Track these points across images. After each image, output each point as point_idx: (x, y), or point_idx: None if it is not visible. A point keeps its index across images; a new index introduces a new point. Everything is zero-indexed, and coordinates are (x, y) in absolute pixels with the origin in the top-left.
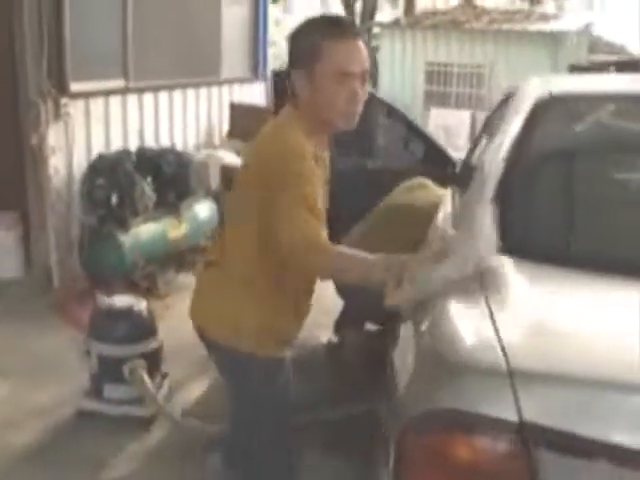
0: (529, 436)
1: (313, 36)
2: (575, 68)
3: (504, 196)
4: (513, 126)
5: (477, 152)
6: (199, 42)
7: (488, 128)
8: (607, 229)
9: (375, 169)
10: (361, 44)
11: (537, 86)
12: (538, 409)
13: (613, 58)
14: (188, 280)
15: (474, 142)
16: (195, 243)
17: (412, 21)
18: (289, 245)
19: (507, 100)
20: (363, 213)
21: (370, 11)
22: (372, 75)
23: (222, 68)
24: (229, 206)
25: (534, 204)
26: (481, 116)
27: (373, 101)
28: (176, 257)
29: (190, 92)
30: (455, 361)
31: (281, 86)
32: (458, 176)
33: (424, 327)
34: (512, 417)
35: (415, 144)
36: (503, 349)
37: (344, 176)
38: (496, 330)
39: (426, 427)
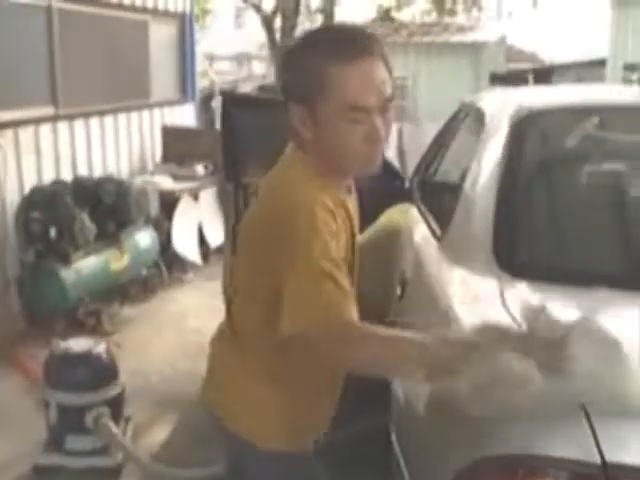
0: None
1: (313, 60)
2: (495, 77)
3: (505, 219)
4: (495, 144)
5: (437, 168)
6: (128, 65)
7: (444, 143)
8: (613, 246)
9: None
10: (380, 63)
11: (502, 101)
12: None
13: (529, 66)
14: (133, 313)
15: (427, 157)
16: (137, 274)
17: None
18: (307, 333)
19: (460, 114)
20: None
21: (290, 27)
22: None
23: (152, 91)
24: (236, 275)
25: (539, 225)
26: (407, 127)
27: None
28: (119, 290)
29: (121, 117)
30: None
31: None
32: (411, 192)
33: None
34: (594, 458)
35: None
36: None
37: None
38: None
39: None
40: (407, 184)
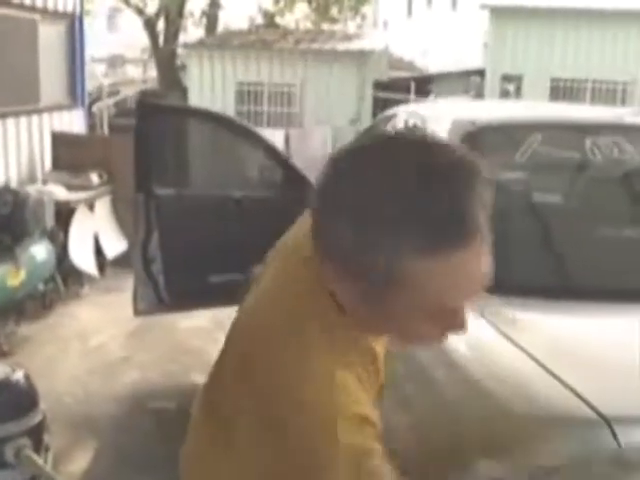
0: None
1: (384, 237)
2: (379, 84)
3: None
4: None
5: None
6: (16, 67)
7: None
8: (571, 257)
9: (238, 199)
10: (484, 244)
11: (442, 115)
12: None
13: (408, 74)
14: (31, 331)
15: None
16: (34, 289)
17: (216, 41)
18: None
19: (379, 127)
20: (232, 245)
21: (174, 32)
22: (182, 97)
23: (41, 94)
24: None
25: (504, 240)
26: (294, 133)
27: (231, 126)
28: (15, 307)
29: (10, 122)
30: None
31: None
32: None
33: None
34: None
35: (273, 169)
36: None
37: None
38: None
39: None
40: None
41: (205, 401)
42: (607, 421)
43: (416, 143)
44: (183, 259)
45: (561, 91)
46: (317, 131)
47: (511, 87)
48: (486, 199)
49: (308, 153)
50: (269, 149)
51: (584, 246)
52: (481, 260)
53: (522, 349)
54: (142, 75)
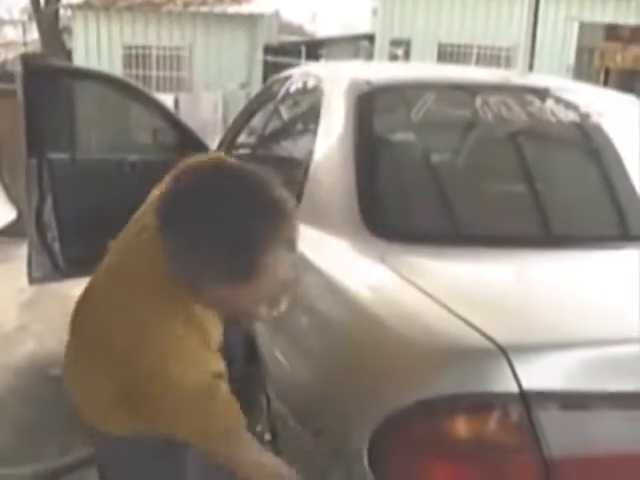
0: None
1: (250, 239)
2: (269, 48)
3: (368, 187)
4: (340, 117)
5: (258, 141)
6: None
7: (254, 117)
8: (462, 208)
9: (132, 162)
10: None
11: (334, 74)
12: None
13: (298, 38)
14: None
15: (233, 131)
16: None
17: (102, 2)
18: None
19: (274, 89)
20: (128, 210)
21: None
22: (66, 61)
23: None
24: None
25: (401, 190)
26: (183, 98)
27: (123, 88)
28: None
29: None
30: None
31: None
32: None
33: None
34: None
35: (167, 132)
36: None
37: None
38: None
39: (427, 414)
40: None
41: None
42: (503, 350)
43: (246, 182)
44: (78, 225)
45: (448, 56)
46: (207, 95)
47: (400, 52)
48: (289, 236)
49: (199, 117)
50: (163, 112)
51: (474, 198)
52: (267, 285)
53: (421, 289)
54: (22, 38)
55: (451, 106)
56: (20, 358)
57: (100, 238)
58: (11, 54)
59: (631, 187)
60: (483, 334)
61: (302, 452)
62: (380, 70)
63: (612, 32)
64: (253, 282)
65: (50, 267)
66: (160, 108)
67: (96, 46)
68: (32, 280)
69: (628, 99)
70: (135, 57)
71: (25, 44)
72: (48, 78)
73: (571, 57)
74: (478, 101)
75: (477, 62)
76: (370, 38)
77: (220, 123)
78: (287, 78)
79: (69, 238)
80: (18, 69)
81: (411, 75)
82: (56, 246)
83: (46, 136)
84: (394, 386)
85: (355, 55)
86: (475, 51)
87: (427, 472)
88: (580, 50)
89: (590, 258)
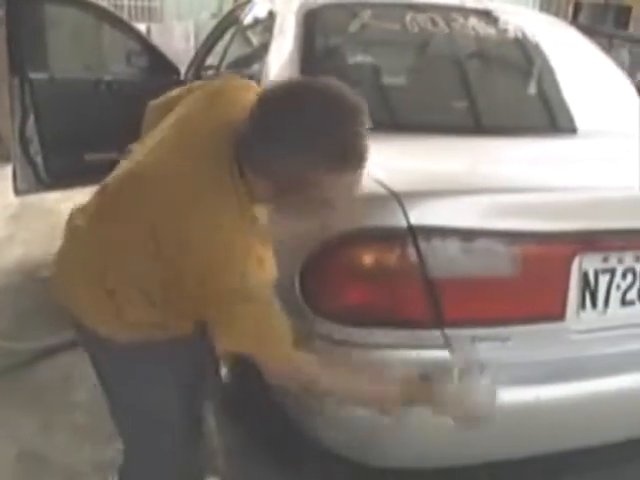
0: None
1: (306, 156)
2: None
3: None
4: (288, 32)
5: (222, 61)
6: None
7: (220, 38)
8: (397, 98)
9: (109, 81)
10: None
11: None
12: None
13: None
14: None
15: (201, 52)
16: None
17: None
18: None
19: (237, 13)
20: (105, 126)
21: None
22: None
23: None
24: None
25: None
26: (155, 27)
27: (101, 13)
28: None
29: None
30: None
31: None
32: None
33: None
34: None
35: (141, 55)
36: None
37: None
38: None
39: (342, 244)
40: (182, 77)
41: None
42: (396, 195)
43: (323, 91)
44: (59, 140)
45: None
46: (179, 25)
47: None
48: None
49: (171, 47)
50: (136, 36)
51: (409, 93)
52: (359, 180)
53: None
54: None
55: (384, 21)
56: (9, 262)
57: (79, 151)
58: None
59: (551, 88)
60: (384, 185)
61: None
62: None
63: None
64: (357, 169)
65: (33, 179)
66: (134, 32)
67: None
68: (17, 192)
69: (554, 21)
70: None
71: None
72: (30, 2)
73: None
74: (408, 17)
75: None
76: None
77: (192, 52)
78: (248, 2)
79: (51, 152)
80: None
81: None
82: (39, 159)
83: (28, 57)
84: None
85: None
86: None
87: (343, 292)
88: None
89: (510, 143)
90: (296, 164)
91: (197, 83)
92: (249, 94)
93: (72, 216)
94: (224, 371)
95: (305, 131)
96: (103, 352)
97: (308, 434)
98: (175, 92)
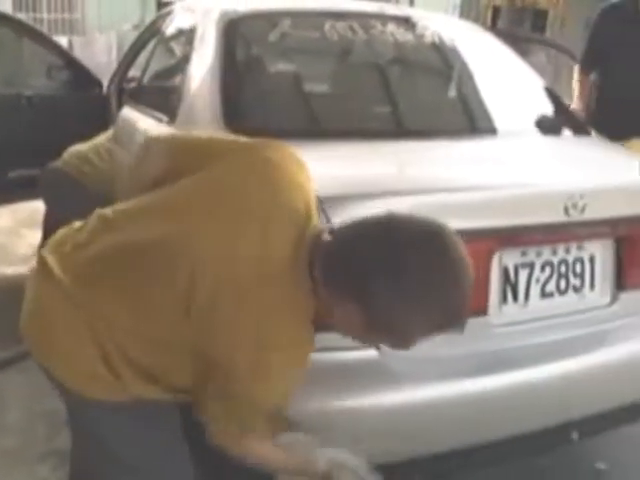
0: None
1: (408, 315)
2: None
3: (226, 94)
4: (211, 40)
5: (144, 73)
6: None
7: (141, 51)
8: (316, 106)
9: (29, 96)
10: None
11: (208, 6)
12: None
13: None
14: None
15: (122, 66)
16: None
17: None
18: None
19: (158, 24)
20: (27, 142)
21: None
22: None
23: None
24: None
25: (253, 96)
26: (77, 41)
27: (18, 27)
28: None
29: None
30: None
31: None
32: (108, 97)
33: None
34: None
35: (61, 70)
36: None
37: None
38: None
39: None
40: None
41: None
42: (319, 201)
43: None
44: None
45: None
46: (101, 37)
47: None
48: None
49: (93, 60)
50: (58, 49)
51: (327, 100)
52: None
53: None
54: None
55: (304, 29)
56: None
57: (1, 169)
58: None
59: (470, 91)
60: None
61: None
62: (249, 2)
63: None
64: (394, 335)
65: None
66: (54, 46)
67: None
68: None
69: (471, 26)
70: None
71: None
72: None
73: None
74: (327, 25)
75: None
76: None
77: (115, 65)
78: (169, 13)
79: None
80: None
81: (274, 5)
82: None
83: None
84: None
85: None
86: None
87: None
88: None
89: (431, 146)
90: (409, 316)
91: (231, 138)
92: (304, 173)
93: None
94: None
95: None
96: (99, 415)
97: None
98: (204, 138)
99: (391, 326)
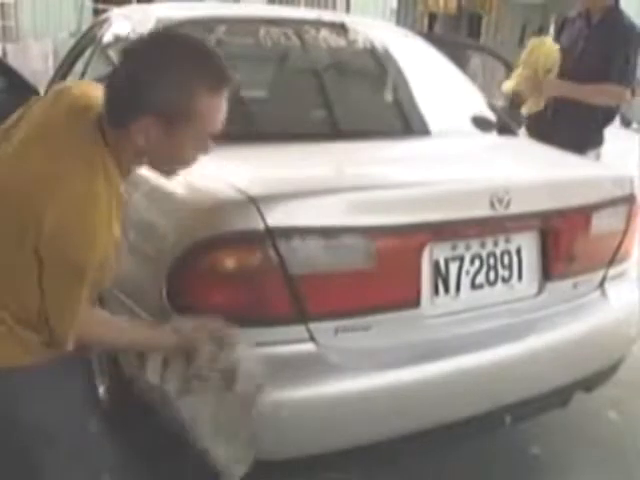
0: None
1: (184, 79)
2: None
3: None
4: None
5: (84, 78)
6: None
7: (80, 56)
8: (254, 110)
9: None
10: None
11: (143, 14)
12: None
13: None
14: None
15: (61, 71)
16: None
17: None
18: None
19: (95, 30)
20: None
21: None
22: None
23: None
24: None
25: None
26: (11, 48)
27: None
28: None
29: None
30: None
31: None
32: None
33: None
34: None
35: None
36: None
37: None
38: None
39: (203, 250)
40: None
41: None
42: (253, 199)
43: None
44: None
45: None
46: (37, 45)
47: None
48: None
49: (28, 67)
50: None
51: (264, 104)
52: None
53: (215, 172)
54: None
55: (239, 36)
56: None
57: None
58: None
59: (403, 94)
60: (242, 192)
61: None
62: (185, 10)
63: None
64: (190, 119)
65: None
66: None
67: None
68: None
69: (403, 32)
70: None
71: None
72: None
73: (394, 1)
74: (262, 32)
75: (306, 4)
76: None
77: (51, 72)
78: (105, 20)
79: None
80: None
81: (210, 12)
82: None
83: None
84: (179, 234)
85: None
86: None
87: (207, 294)
88: None
89: (365, 146)
90: (172, 83)
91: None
92: (95, 90)
93: None
94: (101, 389)
95: (177, 65)
96: None
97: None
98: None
99: (181, 107)
